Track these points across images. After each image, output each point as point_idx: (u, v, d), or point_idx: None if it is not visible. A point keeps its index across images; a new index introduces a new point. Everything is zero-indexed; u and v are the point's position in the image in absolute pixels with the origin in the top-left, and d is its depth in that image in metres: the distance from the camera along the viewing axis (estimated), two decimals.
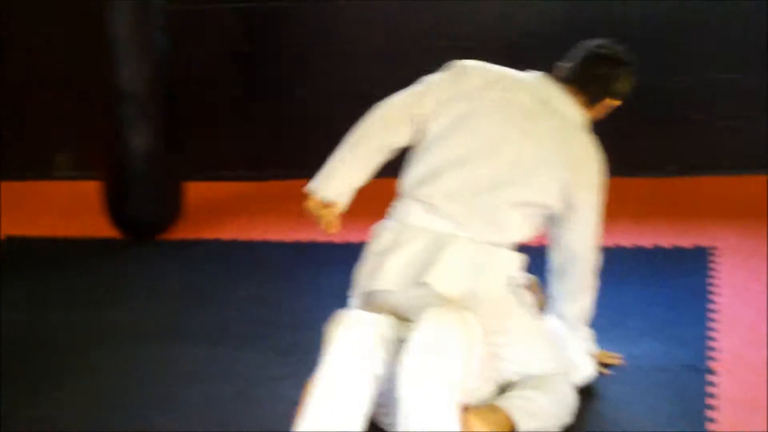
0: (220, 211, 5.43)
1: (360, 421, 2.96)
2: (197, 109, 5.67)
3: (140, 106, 4.86)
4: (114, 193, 5.03)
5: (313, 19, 5.64)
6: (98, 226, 5.14)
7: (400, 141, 3.35)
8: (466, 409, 3.00)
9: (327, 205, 3.34)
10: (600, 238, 3.39)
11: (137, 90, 4.84)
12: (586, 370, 3.45)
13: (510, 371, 3.21)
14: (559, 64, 3.42)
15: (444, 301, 3.10)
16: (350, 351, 2.98)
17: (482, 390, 3.12)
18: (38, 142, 6.03)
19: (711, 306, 4.01)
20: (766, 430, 3.20)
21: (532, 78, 3.38)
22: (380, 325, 3.05)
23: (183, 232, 5.15)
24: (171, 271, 4.75)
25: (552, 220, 3.34)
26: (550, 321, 3.43)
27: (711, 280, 4.24)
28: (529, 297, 3.35)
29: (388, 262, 3.22)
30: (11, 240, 5.18)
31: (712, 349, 3.69)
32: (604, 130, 5.23)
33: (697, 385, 3.46)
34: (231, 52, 5.81)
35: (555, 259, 3.39)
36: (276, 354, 3.83)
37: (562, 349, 3.38)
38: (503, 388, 3.20)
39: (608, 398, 3.45)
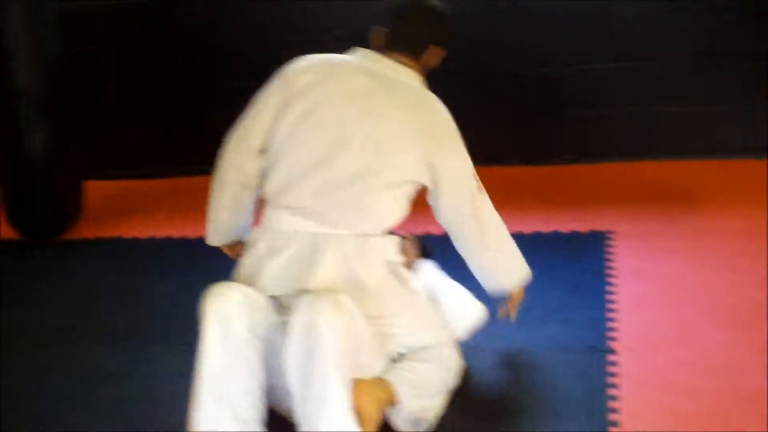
0: (120, 210, 5.39)
1: (256, 380, 3.06)
2: (93, 107, 5.61)
3: (36, 105, 4.80)
4: (12, 193, 4.96)
5: (203, 14, 5.61)
6: None
7: (256, 171, 3.35)
8: (354, 381, 3.06)
9: (232, 247, 3.54)
10: (479, 183, 3.35)
11: (32, 89, 4.78)
12: (475, 315, 3.58)
13: (398, 345, 3.27)
14: (374, 27, 3.37)
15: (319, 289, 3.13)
16: (227, 317, 3.05)
17: (374, 366, 3.19)
18: None
19: (609, 288, 4.12)
20: (665, 406, 3.31)
21: (360, 57, 3.34)
22: (251, 291, 3.13)
23: (83, 231, 5.10)
24: (73, 271, 4.70)
25: (429, 195, 3.33)
26: (429, 279, 3.51)
27: (609, 264, 4.34)
28: (407, 273, 3.36)
29: (264, 271, 3.23)
30: None
31: (612, 329, 3.79)
32: (502, 119, 5.27)
33: (599, 366, 3.55)
34: (124, 48, 5.75)
35: (450, 227, 3.39)
36: (184, 349, 3.79)
37: (447, 306, 3.49)
38: (394, 361, 3.27)
39: (514, 380, 3.53)
